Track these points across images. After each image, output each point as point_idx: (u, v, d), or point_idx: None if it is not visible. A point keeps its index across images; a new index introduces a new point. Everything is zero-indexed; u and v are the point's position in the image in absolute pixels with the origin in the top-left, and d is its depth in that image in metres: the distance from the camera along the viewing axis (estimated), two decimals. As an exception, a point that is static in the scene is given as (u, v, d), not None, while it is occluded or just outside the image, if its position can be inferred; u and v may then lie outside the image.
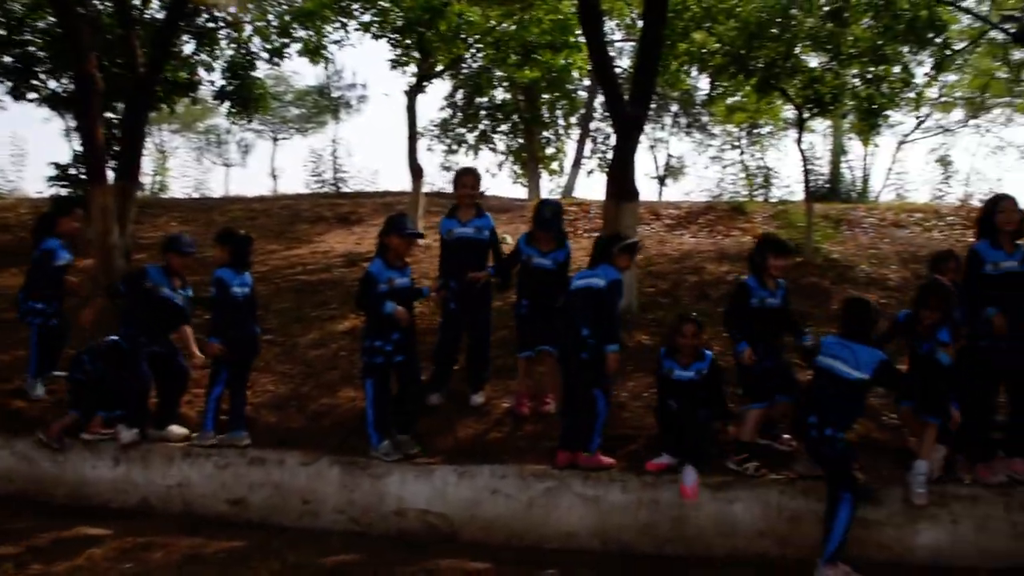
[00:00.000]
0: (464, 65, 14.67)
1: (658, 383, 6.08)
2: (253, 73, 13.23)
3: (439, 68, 12.27)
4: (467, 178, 6.99)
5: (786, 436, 6.14)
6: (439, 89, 79.63)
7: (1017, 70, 14.98)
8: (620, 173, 8.26)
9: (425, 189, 12.51)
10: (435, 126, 20.08)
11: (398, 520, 6.05)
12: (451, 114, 19.26)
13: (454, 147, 19.73)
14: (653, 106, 24.66)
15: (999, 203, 5.89)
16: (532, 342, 6.61)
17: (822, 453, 5.36)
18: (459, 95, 18.66)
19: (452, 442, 6.37)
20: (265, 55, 12.83)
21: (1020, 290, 5.81)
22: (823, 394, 5.35)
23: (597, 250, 6.16)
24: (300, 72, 64.65)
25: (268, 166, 54.28)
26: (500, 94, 18.00)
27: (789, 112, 12.31)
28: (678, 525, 5.68)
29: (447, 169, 21.16)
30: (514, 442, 6.32)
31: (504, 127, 19.10)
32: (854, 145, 22.65)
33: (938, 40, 10.97)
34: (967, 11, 12.26)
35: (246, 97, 13.07)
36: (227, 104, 13.34)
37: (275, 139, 30.92)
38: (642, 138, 10.58)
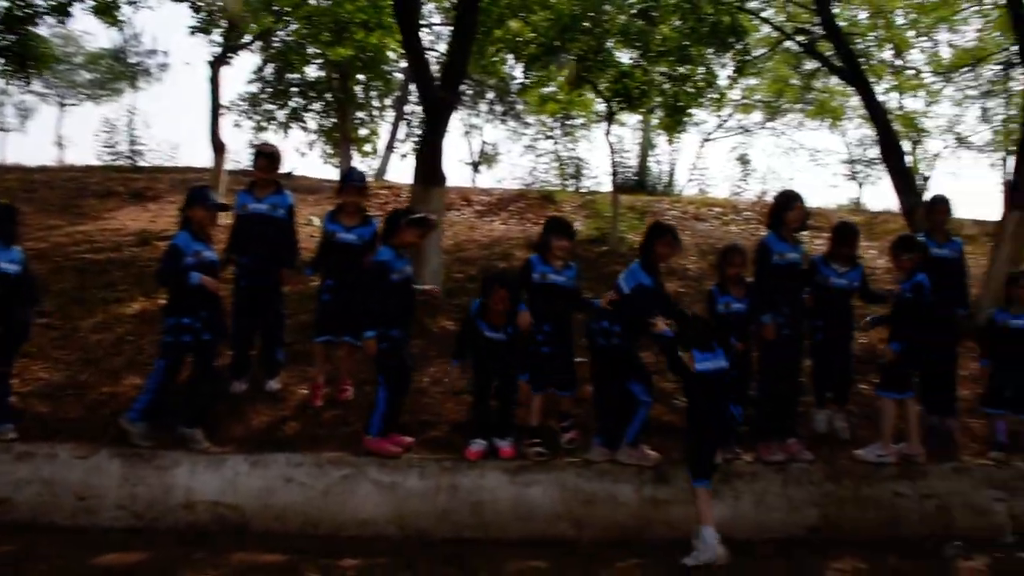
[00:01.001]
0: (275, 38, 14.07)
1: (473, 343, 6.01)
2: (34, 29, 12.01)
3: (247, 39, 11.69)
4: (260, 160, 6.71)
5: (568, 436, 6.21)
6: (247, 62, 76.35)
7: (808, 79, 16.12)
8: (429, 157, 8.19)
9: (229, 166, 11.90)
10: (243, 101, 19.13)
11: (186, 514, 5.67)
12: (260, 89, 18.37)
13: (263, 124, 18.84)
14: (469, 92, 24.84)
15: (792, 201, 6.30)
16: (330, 328, 6.40)
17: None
18: (269, 70, 17.82)
19: (245, 430, 6.07)
20: (47, 9, 11.67)
21: (801, 280, 6.31)
22: None
23: (387, 224, 6.05)
24: (93, 33, 59.84)
25: (53, 134, 50.47)
26: (313, 71, 17.41)
27: (601, 105, 12.67)
28: (477, 510, 5.68)
29: (255, 147, 20.23)
30: (311, 430, 6.10)
31: (316, 106, 18.46)
32: (662, 140, 23.74)
33: (739, 45, 11.64)
34: (766, 21, 13.07)
35: (23, 54, 11.83)
36: (1, 60, 12.04)
37: (62, 104, 28.59)
38: (457, 124, 10.53)
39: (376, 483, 5.66)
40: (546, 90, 12.21)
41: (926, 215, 7.20)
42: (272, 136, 18.85)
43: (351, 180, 6.65)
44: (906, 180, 9.96)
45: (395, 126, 22.17)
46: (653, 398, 6.10)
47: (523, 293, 5.98)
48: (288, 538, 5.46)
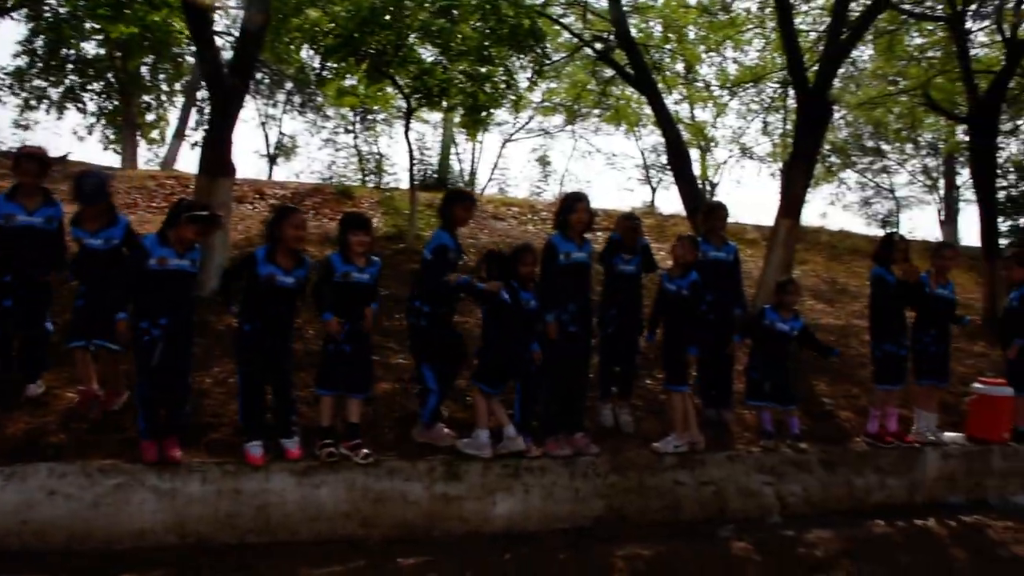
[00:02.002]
0: (45, 7, 12.88)
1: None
2: None
3: (7, 4, 10.63)
4: (28, 164, 5.96)
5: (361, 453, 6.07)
6: (11, 31, 69.62)
7: (606, 85, 16.79)
8: (216, 146, 7.80)
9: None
10: (7, 75, 17.41)
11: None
12: (29, 63, 16.76)
13: (33, 102, 17.28)
14: (266, 81, 23.94)
15: (575, 203, 6.50)
16: (81, 332, 5.91)
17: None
18: (39, 42, 16.30)
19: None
20: None
21: (586, 278, 6.54)
22: None
23: (168, 214, 5.67)
24: None
25: None
26: (92, 48, 16.15)
27: (401, 101, 12.58)
28: (262, 514, 5.45)
29: (23, 127, 18.53)
30: (78, 436, 5.61)
31: (96, 85, 17.14)
32: (465, 139, 23.99)
33: (538, 49, 11.93)
34: (565, 27, 13.48)
35: None
36: None
37: None
38: (253, 114, 10.09)
39: (154, 490, 5.29)
40: (345, 83, 11.97)
41: (704, 220, 7.65)
42: (44, 116, 17.34)
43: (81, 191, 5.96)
44: (691, 186, 10.62)
45: (185, 113, 20.96)
46: (443, 387, 6.16)
47: (326, 294, 5.82)
48: (51, 556, 4.99)
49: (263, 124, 26.48)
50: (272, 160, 26.96)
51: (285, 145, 27.35)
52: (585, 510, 6.19)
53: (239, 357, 5.75)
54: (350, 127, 23.53)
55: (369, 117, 21.89)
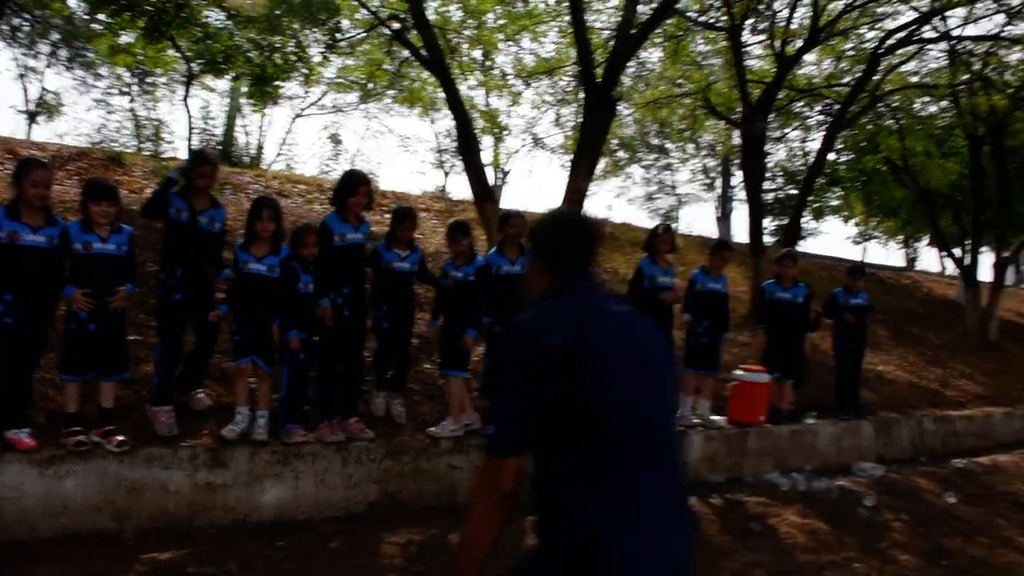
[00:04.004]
0: None
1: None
2: None
3: None
4: None
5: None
6: None
7: (402, 66, 16.55)
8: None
9: None
10: None
11: None
12: None
13: None
14: (26, 28, 21.65)
15: (358, 185, 6.28)
16: None
17: None
18: None
19: None
20: None
21: (361, 261, 6.40)
22: None
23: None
24: None
25: None
26: None
27: (184, 65, 11.79)
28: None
29: None
30: None
31: None
32: (251, 111, 22.93)
33: (331, 22, 11.54)
34: (362, 3, 13.09)
35: None
36: None
37: None
38: (10, 65, 9.06)
39: None
40: (120, 40, 11.02)
41: (499, 228, 7.45)
42: None
43: None
44: (480, 173, 10.69)
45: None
46: (168, 359, 5.81)
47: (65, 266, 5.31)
48: None
49: (22, 76, 23.95)
50: (32, 118, 24.46)
51: (47, 102, 24.86)
52: (359, 496, 6.10)
53: None
54: (125, 89, 21.74)
55: (148, 80, 20.34)
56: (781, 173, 31.25)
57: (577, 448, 2.15)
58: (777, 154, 30.07)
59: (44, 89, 25.19)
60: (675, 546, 2.18)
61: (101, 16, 10.27)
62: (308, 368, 6.08)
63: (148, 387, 5.90)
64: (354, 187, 6.27)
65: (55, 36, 21.92)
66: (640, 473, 2.16)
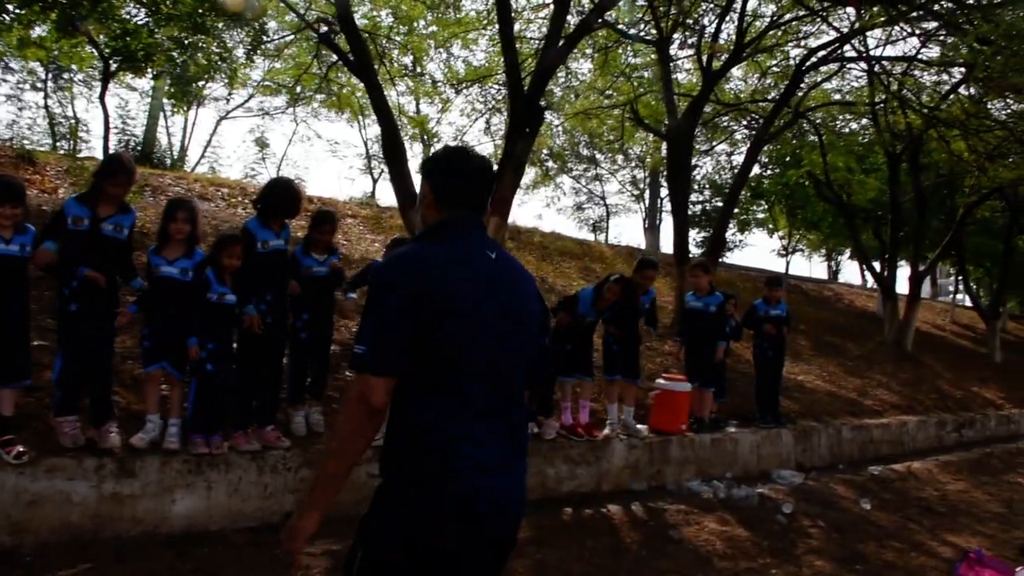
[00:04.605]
0: None
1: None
2: None
3: None
4: None
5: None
6: None
7: (330, 70, 16.35)
8: None
9: None
10: None
11: None
12: None
13: None
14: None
15: (285, 189, 6.22)
16: None
17: None
18: None
19: None
20: None
21: (283, 267, 6.25)
22: None
23: None
24: None
25: None
26: None
27: (100, 62, 11.40)
28: None
29: None
30: None
31: None
32: (172, 111, 22.31)
33: (256, 24, 11.32)
34: (289, 5, 12.87)
35: None
36: None
37: None
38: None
39: None
40: (31, 33, 10.63)
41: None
42: None
43: None
44: (405, 180, 10.58)
45: None
46: (69, 369, 5.50)
47: None
48: None
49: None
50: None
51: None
52: (275, 506, 5.92)
53: None
54: (39, 84, 20.89)
55: (63, 76, 19.62)
56: (708, 186, 31.89)
57: (427, 382, 2.35)
58: (704, 167, 30.72)
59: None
60: (508, 488, 2.45)
61: (10, 6, 9.83)
62: (218, 377, 5.86)
63: (51, 395, 5.64)
64: (287, 193, 6.20)
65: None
66: (483, 417, 2.39)
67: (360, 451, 2.43)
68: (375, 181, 31.54)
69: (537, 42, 14.64)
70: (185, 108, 17.27)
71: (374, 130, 26.46)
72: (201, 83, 11.27)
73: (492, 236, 9.41)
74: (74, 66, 13.11)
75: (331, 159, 54.37)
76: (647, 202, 32.76)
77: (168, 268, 5.69)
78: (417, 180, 8.46)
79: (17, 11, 9.69)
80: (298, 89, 18.75)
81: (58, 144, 18.22)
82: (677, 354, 9.28)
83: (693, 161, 19.30)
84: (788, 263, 34.85)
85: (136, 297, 5.89)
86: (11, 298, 5.13)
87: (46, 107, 20.60)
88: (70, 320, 5.45)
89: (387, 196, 37.06)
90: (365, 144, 30.80)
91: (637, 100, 15.86)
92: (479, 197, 2.58)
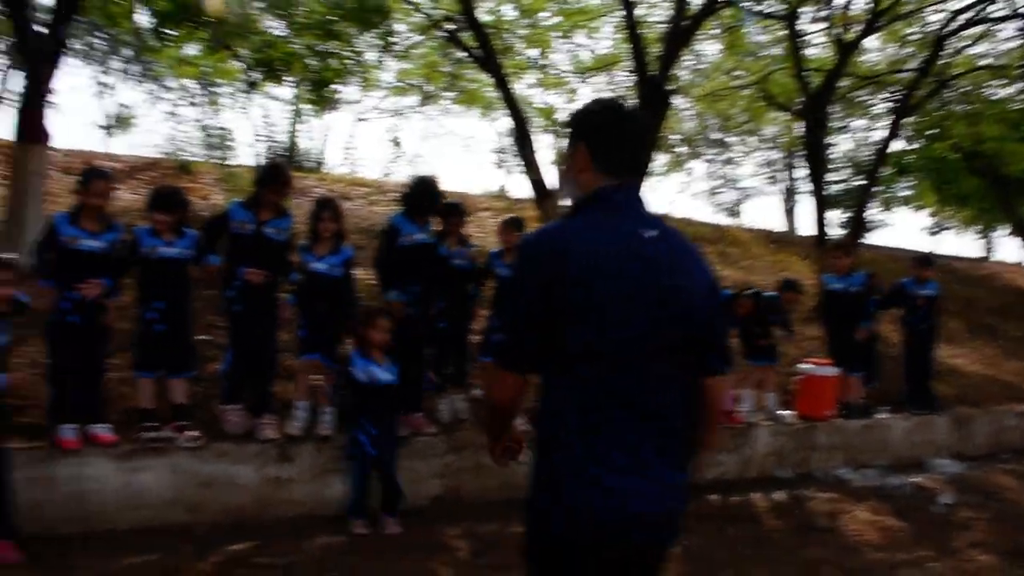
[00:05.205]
0: None
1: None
2: None
3: None
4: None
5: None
6: None
7: (458, 67, 16.65)
8: (29, 111, 7.24)
9: None
10: None
11: None
12: None
13: None
14: (100, 47, 22.40)
15: (427, 185, 6.43)
16: None
17: None
18: None
19: None
20: None
21: (427, 259, 6.42)
22: None
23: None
24: None
25: None
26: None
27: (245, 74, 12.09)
28: (75, 502, 5.13)
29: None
30: None
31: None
32: (312, 116, 23.27)
33: (384, 26, 11.70)
34: (415, 5, 13.23)
35: None
36: None
37: None
38: (89, 82, 9.40)
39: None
40: (184, 52, 11.37)
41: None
42: None
43: None
44: (536, 172, 10.72)
45: (3, 76, 19.35)
46: (235, 363, 5.93)
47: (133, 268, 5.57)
48: None
49: (99, 93, 24.90)
50: (108, 131, 25.36)
51: (121, 116, 25.72)
52: (422, 490, 6.15)
53: (49, 336, 5.37)
54: (193, 100, 22.31)
55: (213, 90, 20.83)
56: (847, 164, 30.52)
57: (562, 371, 2.13)
58: (842, 144, 29.40)
59: (118, 104, 26.19)
60: (637, 494, 2.13)
61: (166, 30, 10.58)
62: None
63: (217, 385, 6.07)
64: (428, 189, 6.42)
65: (126, 52, 22.60)
66: (619, 413, 2.13)
67: (504, 428, 2.38)
68: (508, 174, 31.89)
69: (661, 26, 14.47)
70: (323, 112, 17.98)
71: (503, 124, 26.76)
72: (336, 87, 11.69)
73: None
74: (221, 80, 13.92)
75: (464, 154, 55.36)
76: (783, 184, 31.77)
77: (317, 264, 6.01)
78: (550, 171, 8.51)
79: (172, 33, 10.43)
80: (428, 88, 19.21)
81: (210, 154, 19.37)
82: (821, 339, 9.00)
83: (829, 139, 18.55)
84: (939, 241, 33.05)
85: (291, 290, 6.22)
86: (176, 297, 5.60)
87: (199, 120, 22.07)
88: (236, 320, 5.86)
89: (520, 189, 37.50)
90: (496, 138, 31.21)
91: (767, 79, 15.41)
92: (641, 159, 2.28)
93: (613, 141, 2.22)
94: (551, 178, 11.47)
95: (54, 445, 5.16)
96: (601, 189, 2.20)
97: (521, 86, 18.43)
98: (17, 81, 19.69)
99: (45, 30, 7.42)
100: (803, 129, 14.11)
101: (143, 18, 11.80)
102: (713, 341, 2.30)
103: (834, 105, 16.91)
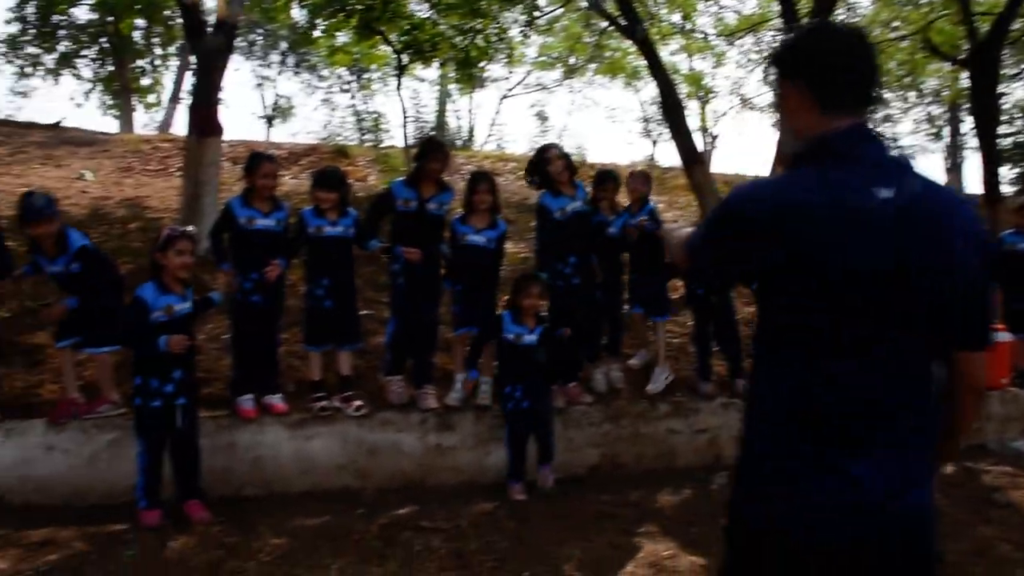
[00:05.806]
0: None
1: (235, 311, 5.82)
2: None
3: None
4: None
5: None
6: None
7: (601, 37, 16.54)
8: (202, 106, 7.77)
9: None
10: (0, 42, 17.25)
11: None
12: (21, 31, 16.64)
13: (27, 69, 17.15)
14: (260, 42, 23.73)
15: (546, 151, 6.40)
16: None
17: None
18: (30, 8, 16.12)
19: (-2, 396, 5.55)
20: None
21: (584, 228, 6.41)
22: None
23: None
24: None
25: None
26: (84, 13, 15.99)
27: (394, 58, 12.47)
28: (256, 467, 5.55)
29: (20, 94, 18.45)
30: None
31: (90, 51, 17.00)
32: (459, 95, 23.81)
33: (527, 1, 11.78)
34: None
35: None
36: None
37: None
38: (249, 76, 9.99)
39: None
40: (336, 41, 11.85)
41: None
42: (40, 83, 17.34)
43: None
44: (686, 139, 10.50)
45: (180, 76, 20.82)
46: (397, 335, 6.13)
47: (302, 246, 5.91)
48: (51, 511, 5.08)
49: (259, 86, 26.43)
50: (269, 121, 26.92)
51: (281, 106, 27.26)
52: (577, 459, 6.23)
53: (233, 315, 5.79)
54: (346, 86, 23.38)
55: (364, 76, 21.67)
56: (1021, 115, 28.15)
57: (775, 348, 1.86)
58: (1015, 94, 27.10)
59: (277, 95, 27.76)
60: (877, 481, 1.80)
61: (319, 21, 11.06)
62: None
63: (381, 357, 6.35)
64: (545, 154, 6.37)
65: (283, 46, 23.89)
66: (838, 403, 1.80)
67: None
68: (654, 143, 31.43)
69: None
70: (470, 91, 18.39)
71: (648, 92, 26.36)
72: (482, 65, 11.88)
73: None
74: (373, 65, 14.47)
75: (610, 125, 54.90)
76: (947, 140, 29.72)
77: (475, 236, 6.16)
78: (699, 138, 8.26)
79: (325, 23, 10.90)
80: (572, 60, 19.19)
81: (364, 138, 20.20)
82: (996, 301, 8.42)
83: (1000, 88, 17.18)
84: None
85: (445, 265, 6.36)
86: (341, 274, 5.90)
87: (352, 106, 23.15)
88: (400, 293, 6.10)
89: (668, 156, 36.86)
90: (641, 107, 30.76)
91: (929, 27, 14.43)
92: (873, 89, 1.88)
93: (838, 71, 1.84)
94: (699, 143, 11.25)
95: (235, 414, 5.58)
96: (826, 135, 1.84)
97: (665, 53, 18.07)
98: (188, 80, 21.43)
99: (214, 29, 7.91)
100: (969, 79, 13.12)
101: (297, 13, 12.40)
102: (973, 315, 1.90)
103: (1005, 51, 15.65)
